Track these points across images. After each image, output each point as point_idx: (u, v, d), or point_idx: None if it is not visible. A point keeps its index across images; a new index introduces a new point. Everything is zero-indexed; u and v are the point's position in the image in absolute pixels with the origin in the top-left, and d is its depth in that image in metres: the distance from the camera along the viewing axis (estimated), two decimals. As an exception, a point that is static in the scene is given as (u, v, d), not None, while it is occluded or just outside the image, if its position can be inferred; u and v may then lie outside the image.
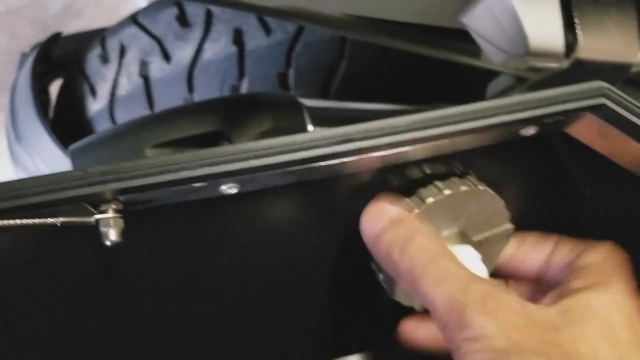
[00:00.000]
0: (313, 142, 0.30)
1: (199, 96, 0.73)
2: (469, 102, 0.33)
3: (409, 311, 0.40)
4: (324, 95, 0.74)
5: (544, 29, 0.35)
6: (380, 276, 0.38)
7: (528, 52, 0.36)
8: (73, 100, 0.82)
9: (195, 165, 0.30)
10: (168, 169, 0.30)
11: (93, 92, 0.79)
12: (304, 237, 0.37)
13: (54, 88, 0.91)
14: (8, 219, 0.28)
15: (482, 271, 0.37)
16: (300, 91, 0.72)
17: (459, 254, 0.36)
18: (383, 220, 0.34)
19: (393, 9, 0.40)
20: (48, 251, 0.32)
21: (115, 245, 0.30)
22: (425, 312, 0.39)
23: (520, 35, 0.35)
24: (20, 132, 0.81)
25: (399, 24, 0.49)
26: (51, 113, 0.87)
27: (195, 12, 0.74)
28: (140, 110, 0.75)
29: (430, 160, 0.36)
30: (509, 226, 0.39)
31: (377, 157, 0.32)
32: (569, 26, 0.36)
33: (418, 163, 0.36)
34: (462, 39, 0.51)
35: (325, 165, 0.31)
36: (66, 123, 0.82)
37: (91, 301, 0.35)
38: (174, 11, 0.75)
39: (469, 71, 0.78)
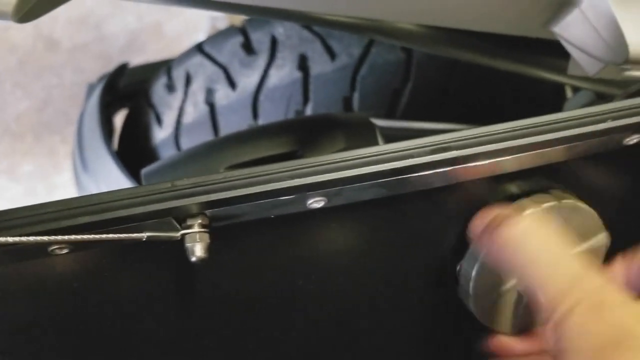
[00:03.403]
0: (407, 152, 0.29)
1: (263, 121, 0.73)
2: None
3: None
4: (389, 117, 0.72)
5: (646, 35, 0.33)
6: (470, 302, 0.36)
7: (627, 60, 0.34)
8: (139, 129, 0.83)
9: (285, 176, 0.28)
10: (257, 181, 0.29)
11: (159, 121, 0.80)
12: (388, 257, 0.35)
13: (118, 119, 0.93)
14: (95, 233, 0.28)
15: None
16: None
17: None
18: (499, 218, 0.33)
19: (475, 19, 0.39)
20: (129, 265, 0.31)
21: (200, 261, 0.29)
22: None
23: (619, 42, 0.33)
24: (87, 160, 0.82)
25: (475, 36, 0.48)
26: (115, 143, 0.89)
27: (261, 40, 0.74)
28: (205, 137, 0.75)
29: (520, 174, 0.34)
30: (603, 235, 0.36)
31: (470, 168, 0.30)
32: (672, 31, 0.34)
33: (507, 177, 0.34)
34: (540, 52, 0.49)
35: (417, 177, 0.30)
36: (131, 152, 0.84)
37: (168, 317, 0.34)
38: (239, 39, 0.75)
39: (535, 90, 0.76)
